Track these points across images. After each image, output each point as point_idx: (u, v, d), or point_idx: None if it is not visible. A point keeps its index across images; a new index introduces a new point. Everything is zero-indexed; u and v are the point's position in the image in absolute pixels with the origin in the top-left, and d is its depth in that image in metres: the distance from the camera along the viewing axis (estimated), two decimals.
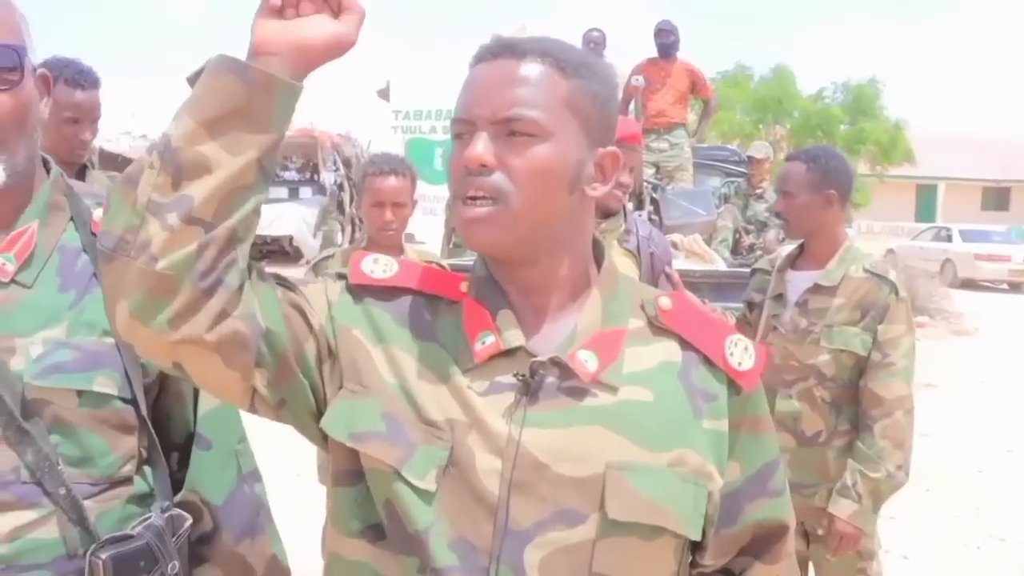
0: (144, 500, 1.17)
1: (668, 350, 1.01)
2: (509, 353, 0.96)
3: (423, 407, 0.95)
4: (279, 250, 13.22)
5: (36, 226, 1.15)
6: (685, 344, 1.02)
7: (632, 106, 5.89)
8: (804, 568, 2.55)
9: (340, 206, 14.07)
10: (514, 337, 0.97)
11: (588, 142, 0.97)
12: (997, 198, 34.02)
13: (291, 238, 13.27)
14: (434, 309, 1.01)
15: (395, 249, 2.69)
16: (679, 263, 4.17)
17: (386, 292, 1.01)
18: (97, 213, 1.17)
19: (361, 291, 1.01)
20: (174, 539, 1.15)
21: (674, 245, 4.78)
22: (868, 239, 19.04)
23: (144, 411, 1.17)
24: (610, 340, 0.98)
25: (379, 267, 1.03)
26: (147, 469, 1.19)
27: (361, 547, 0.97)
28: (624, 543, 0.93)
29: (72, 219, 1.19)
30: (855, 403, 2.42)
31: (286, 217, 13.07)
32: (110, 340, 1.12)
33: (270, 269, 0.99)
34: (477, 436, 0.93)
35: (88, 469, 1.12)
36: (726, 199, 6.96)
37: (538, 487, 0.92)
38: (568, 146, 0.95)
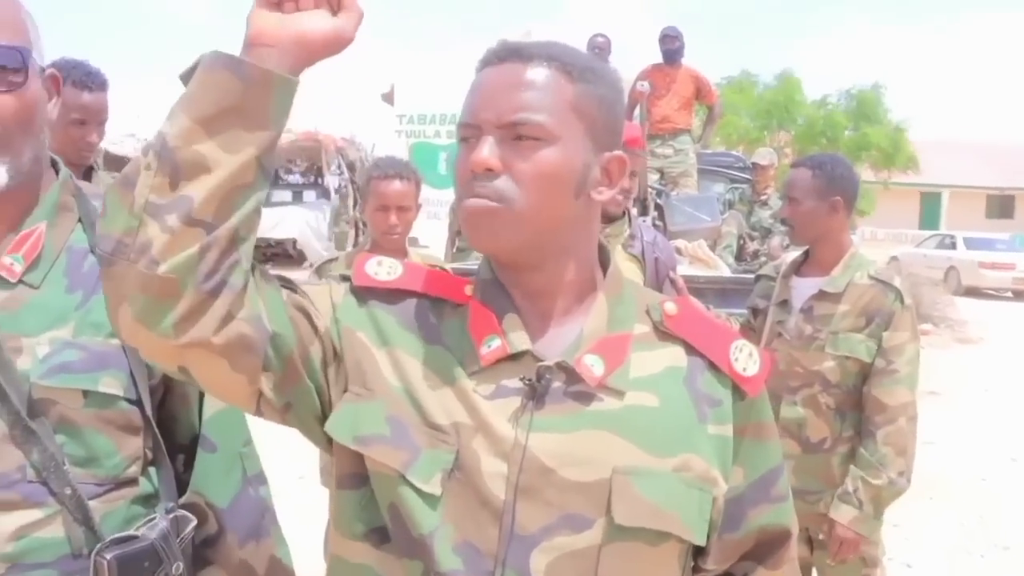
0: (149, 501, 1.18)
1: (673, 355, 1.01)
2: (515, 357, 0.96)
3: (428, 410, 0.95)
4: (283, 253, 13.24)
5: (44, 227, 1.15)
6: (690, 349, 1.01)
7: (637, 112, 5.89)
8: (807, 574, 2.55)
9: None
10: (520, 341, 0.96)
11: (594, 146, 0.97)
12: (1001, 206, 33.96)
13: (295, 241, 13.28)
14: (439, 312, 1.01)
15: (399, 253, 2.69)
16: (683, 269, 4.16)
17: (390, 295, 1.01)
18: None
19: (365, 293, 1.01)
20: (178, 540, 1.15)
21: (678, 251, 4.77)
22: (872, 246, 19.00)
23: (149, 412, 1.17)
24: (616, 345, 0.98)
25: (383, 269, 1.03)
26: (152, 470, 1.19)
27: (364, 550, 0.97)
28: (630, 548, 0.93)
29: (80, 220, 1.19)
30: (860, 410, 2.42)
31: (290, 220, 13.08)
32: (116, 341, 1.12)
33: (274, 272, 0.98)
34: (483, 440, 0.93)
35: (93, 469, 1.12)
36: (730, 205, 6.96)
37: (544, 492, 0.92)
38: (574, 150, 0.95)
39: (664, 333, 1.02)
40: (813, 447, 2.45)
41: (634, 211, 3.25)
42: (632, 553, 0.93)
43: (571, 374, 0.95)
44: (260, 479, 1.29)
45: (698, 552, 1.02)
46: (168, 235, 0.82)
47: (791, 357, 2.47)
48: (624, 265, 2.63)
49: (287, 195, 13.92)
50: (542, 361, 0.95)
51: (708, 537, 0.99)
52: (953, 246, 19.09)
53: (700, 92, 7.06)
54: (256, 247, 0.90)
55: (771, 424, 1.06)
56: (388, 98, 9.96)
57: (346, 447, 0.96)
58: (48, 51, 1.20)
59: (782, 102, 24.09)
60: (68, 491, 1.09)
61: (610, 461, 0.93)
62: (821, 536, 2.45)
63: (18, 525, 1.07)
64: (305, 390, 0.96)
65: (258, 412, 0.96)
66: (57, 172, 1.21)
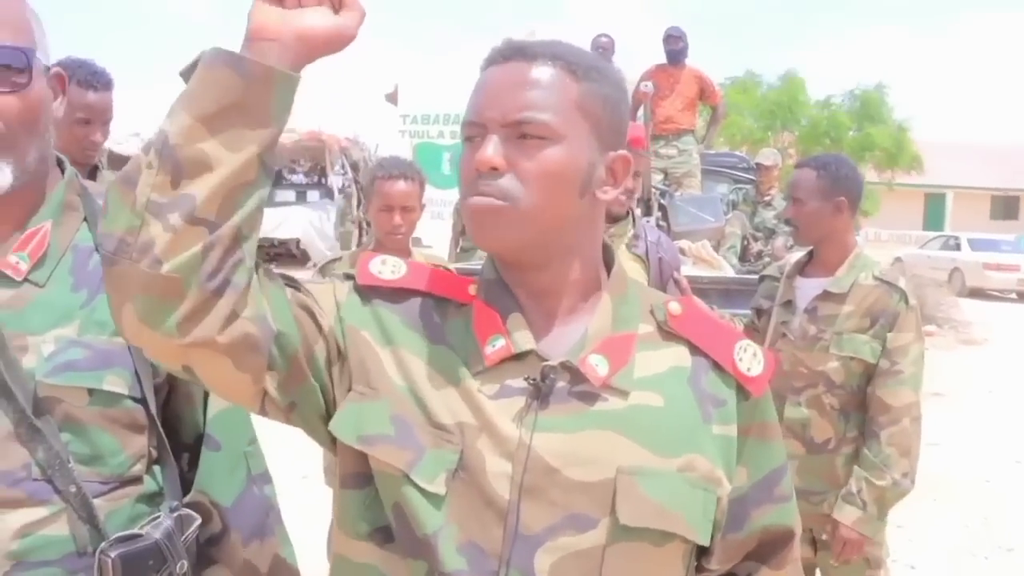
0: (153, 499, 1.18)
1: (678, 355, 1.01)
2: (519, 357, 0.96)
3: (432, 410, 0.95)
4: (286, 253, 13.24)
5: (50, 225, 1.16)
6: (694, 349, 1.01)
7: (641, 112, 5.89)
8: (811, 575, 2.55)
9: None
10: (525, 340, 0.96)
11: (599, 145, 0.97)
12: (1006, 207, 33.88)
13: (298, 241, 13.29)
14: (443, 311, 1.01)
15: (403, 253, 2.68)
16: (687, 269, 4.17)
17: (394, 294, 1.01)
18: None
19: (369, 292, 1.01)
20: (183, 539, 1.15)
21: (682, 251, 4.77)
22: (876, 247, 19.00)
23: (154, 410, 1.17)
24: (621, 345, 0.98)
25: (387, 268, 1.02)
26: (157, 469, 1.19)
27: (369, 550, 0.97)
28: (634, 548, 0.93)
29: (86, 219, 1.19)
30: (864, 410, 2.42)
31: (293, 220, 13.08)
32: (121, 339, 1.12)
33: (277, 271, 0.98)
34: (487, 440, 0.93)
35: (98, 467, 1.12)
36: (734, 205, 6.96)
37: (549, 492, 0.92)
38: (579, 149, 0.95)
39: (668, 333, 1.02)
40: (817, 448, 2.45)
41: (638, 211, 3.24)
42: (636, 553, 0.93)
43: (575, 374, 0.95)
44: (265, 478, 1.29)
45: (701, 552, 1.02)
46: (171, 234, 0.82)
47: (795, 358, 2.47)
48: (628, 265, 2.62)
49: (291, 195, 13.93)
50: (546, 361, 0.95)
51: (712, 537, 0.98)
52: (957, 247, 19.06)
53: (704, 93, 7.07)
54: (259, 247, 0.90)
55: (775, 424, 1.06)
56: (392, 98, 9.97)
57: (350, 447, 0.96)
58: (52, 52, 1.20)
59: (786, 102, 24.05)
60: (73, 489, 1.09)
61: (615, 461, 0.93)
62: (825, 537, 2.45)
63: (23, 523, 1.07)
64: (309, 389, 0.96)
65: (262, 411, 0.96)
66: (63, 171, 1.21)
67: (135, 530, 1.12)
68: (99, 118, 2.68)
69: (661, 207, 5.70)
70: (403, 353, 0.97)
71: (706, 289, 4.17)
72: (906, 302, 2.39)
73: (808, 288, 2.53)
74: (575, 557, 0.91)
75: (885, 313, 2.39)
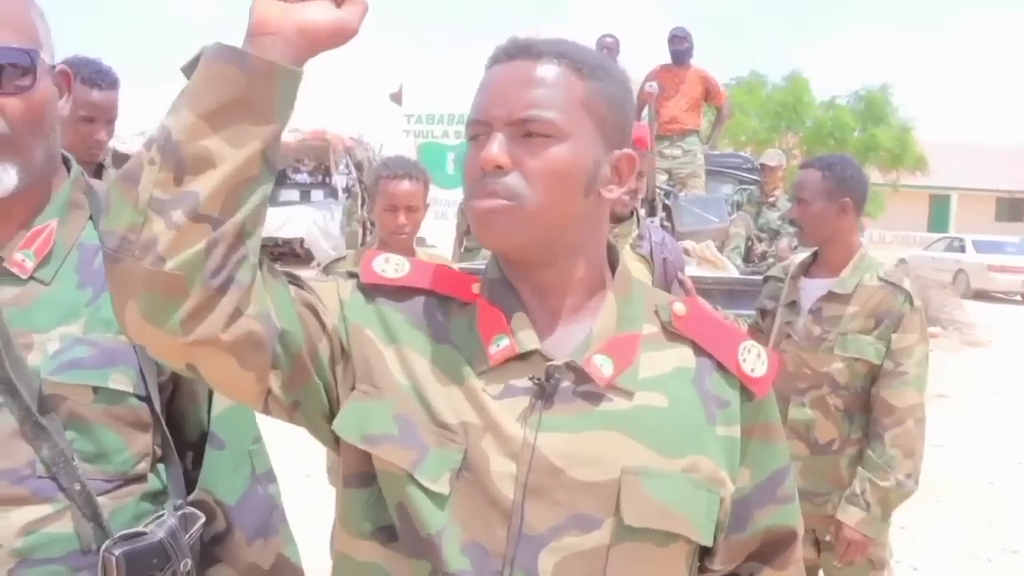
0: (157, 498, 1.18)
1: (682, 356, 1.01)
2: (524, 356, 0.96)
3: (436, 409, 0.94)
4: (290, 252, 13.24)
5: (55, 224, 1.16)
6: (699, 350, 1.01)
7: (645, 112, 5.89)
8: None
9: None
10: (529, 340, 0.96)
11: (604, 144, 0.97)
12: (1011, 209, 33.80)
13: (302, 240, 13.29)
14: (446, 310, 1.01)
15: (407, 253, 2.68)
16: (691, 270, 4.16)
17: (398, 292, 1.01)
18: None
19: (373, 290, 1.00)
20: (187, 537, 1.15)
21: (686, 252, 4.77)
22: (880, 249, 18.95)
23: (158, 409, 1.17)
24: (625, 345, 0.98)
25: (391, 266, 1.02)
26: (161, 467, 1.19)
27: (372, 549, 0.96)
28: (638, 549, 0.93)
29: (91, 217, 1.20)
30: (868, 411, 2.42)
31: (297, 220, 13.09)
32: (125, 337, 1.12)
33: (280, 269, 0.98)
34: (492, 439, 0.93)
35: (103, 465, 1.12)
36: (738, 206, 6.95)
37: (553, 492, 0.92)
38: (584, 147, 0.95)
39: (673, 333, 1.02)
40: (821, 449, 2.45)
41: (642, 212, 3.25)
42: (640, 554, 0.93)
43: (580, 374, 0.95)
44: (269, 477, 1.28)
45: (704, 552, 1.02)
46: (174, 231, 0.81)
47: (799, 358, 2.47)
48: (633, 265, 2.62)
49: (295, 194, 13.93)
50: (551, 361, 0.95)
51: (715, 538, 0.98)
52: (962, 249, 19.01)
53: (709, 93, 7.06)
54: (263, 246, 0.89)
55: (778, 425, 1.06)
56: (396, 98, 9.97)
57: (353, 446, 0.95)
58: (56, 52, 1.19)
59: (790, 103, 24.00)
60: (77, 487, 1.09)
61: (619, 461, 0.93)
62: (828, 538, 2.45)
63: (27, 520, 1.07)
64: (313, 388, 0.95)
65: (266, 410, 0.95)
66: (69, 169, 1.22)
67: (139, 528, 1.12)
68: (103, 116, 2.67)
69: (665, 207, 5.70)
70: (407, 352, 0.97)
71: (710, 290, 4.17)
72: (911, 303, 2.39)
73: (812, 289, 2.52)
74: (579, 557, 0.91)
75: (890, 314, 2.39)
